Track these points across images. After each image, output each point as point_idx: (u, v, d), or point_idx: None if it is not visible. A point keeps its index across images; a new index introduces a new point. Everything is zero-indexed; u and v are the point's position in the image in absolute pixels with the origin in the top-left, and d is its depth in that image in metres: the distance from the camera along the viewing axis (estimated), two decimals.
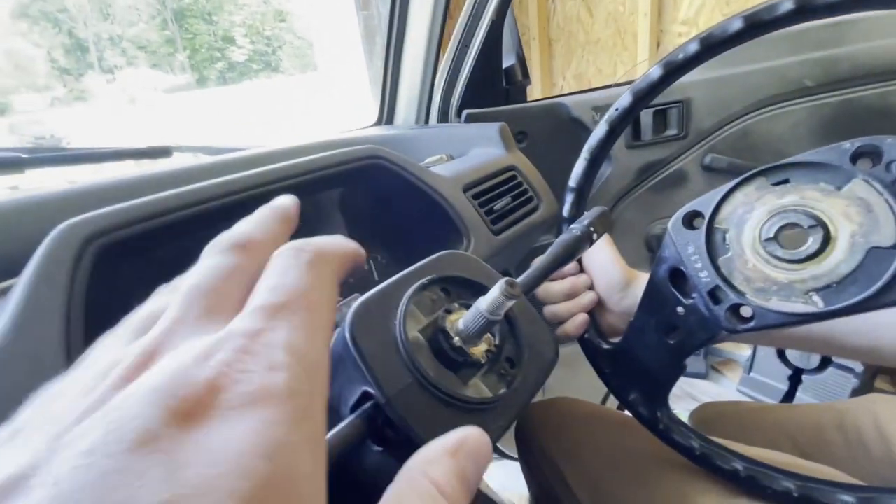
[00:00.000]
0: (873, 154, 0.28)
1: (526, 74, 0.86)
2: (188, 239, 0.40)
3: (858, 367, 1.36)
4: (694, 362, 1.90)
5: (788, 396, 1.56)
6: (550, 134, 0.80)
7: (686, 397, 1.78)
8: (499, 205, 0.51)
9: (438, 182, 0.48)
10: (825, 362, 1.51)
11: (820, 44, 0.78)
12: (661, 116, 0.79)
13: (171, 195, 0.33)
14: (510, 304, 0.25)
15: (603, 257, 0.47)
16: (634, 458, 0.48)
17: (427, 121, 0.78)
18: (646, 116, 0.79)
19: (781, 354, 1.59)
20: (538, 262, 0.36)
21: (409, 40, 0.70)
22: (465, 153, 0.63)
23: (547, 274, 0.36)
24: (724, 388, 1.81)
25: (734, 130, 0.81)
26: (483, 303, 0.25)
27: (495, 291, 0.24)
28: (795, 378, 1.60)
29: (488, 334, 0.28)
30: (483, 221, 0.48)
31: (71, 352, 0.24)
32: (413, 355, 0.24)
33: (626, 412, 0.60)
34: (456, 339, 0.26)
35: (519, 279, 0.35)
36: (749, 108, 0.80)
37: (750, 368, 1.71)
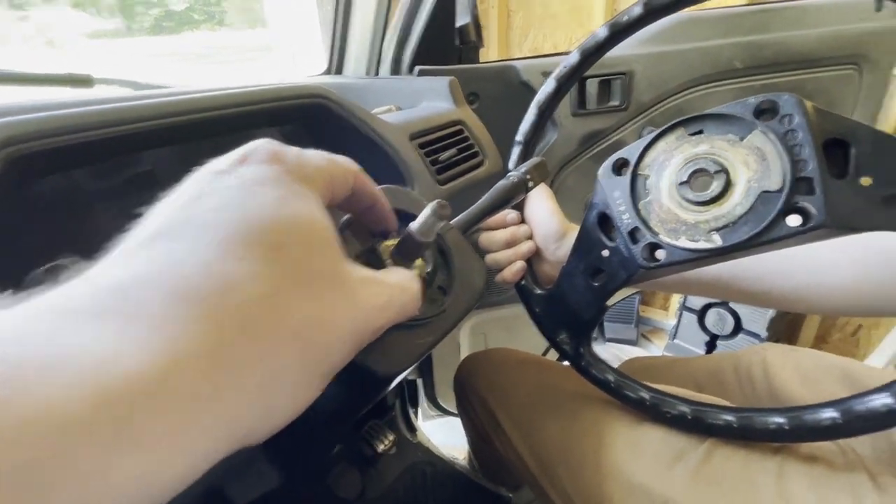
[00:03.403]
0: (772, 109, 0.31)
1: (480, 35, 0.86)
2: (106, 164, 0.38)
3: (763, 333, 1.53)
4: (626, 330, 2.04)
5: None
6: (501, 97, 0.81)
7: (617, 361, 1.92)
8: (444, 156, 0.52)
9: (384, 128, 0.48)
10: (736, 330, 1.68)
11: (749, 28, 0.84)
12: (605, 87, 0.82)
13: (90, 111, 0.31)
14: (441, 224, 0.26)
15: (542, 209, 0.50)
16: (559, 395, 0.52)
17: (378, 73, 0.76)
18: (591, 86, 0.81)
19: (701, 322, 1.75)
20: (476, 204, 0.38)
21: None
22: (414, 106, 0.63)
23: (483, 215, 0.37)
24: (650, 352, 1.97)
25: (670, 106, 0.86)
26: (415, 224, 0.26)
27: (427, 211, 0.25)
28: (711, 343, 1.77)
29: (421, 260, 0.29)
30: (428, 170, 0.49)
31: None
32: None
33: (555, 360, 0.64)
34: (388, 262, 0.27)
35: (456, 218, 0.36)
36: (684, 85, 0.85)
37: (674, 335, 1.87)
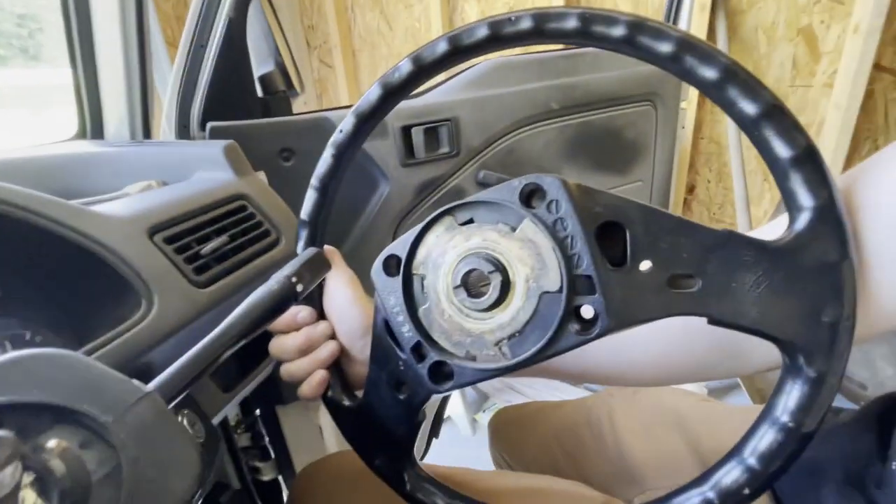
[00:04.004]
0: (539, 192, 0.26)
1: (290, 84, 0.76)
2: None
3: None
4: None
5: None
6: (321, 151, 0.72)
7: (506, 389, 1.93)
8: (209, 247, 0.40)
9: (101, 227, 0.35)
10: None
11: (559, 72, 0.88)
12: (432, 134, 0.79)
13: None
14: (7, 473, 0.15)
15: (340, 300, 0.41)
16: None
17: (150, 134, 0.62)
18: (417, 135, 0.77)
19: None
20: (202, 344, 0.27)
21: (98, 29, 0.53)
22: (186, 178, 0.50)
23: (210, 360, 0.27)
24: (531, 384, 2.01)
25: (500, 148, 0.86)
26: None
27: None
28: None
29: (34, 499, 0.18)
30: (179, 272, 0.37)
31: None
32: None
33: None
34: None
35: (158, 379, 0.25)
36: (510, 127, 0.85)
37: None
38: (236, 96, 0.68)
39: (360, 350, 0.41)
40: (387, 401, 0.35)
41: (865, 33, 1.19)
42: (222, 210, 0.44)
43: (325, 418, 0.92)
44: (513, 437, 0.71)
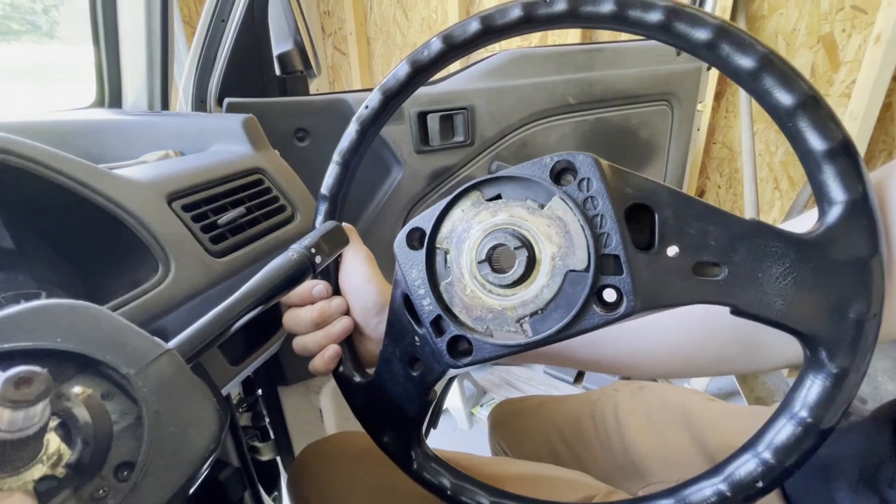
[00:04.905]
0: (570, 170, 0.26)
1: (308, 64, 0.76)
2: None
3: None
4: None
5: (580, 375, 1.81)
6: (335, 133, 0.72)
7: (504, 385, 1.93)
8: (226, 217, 0.40)
9: (122, 190, 0.35)
10: None
11: (578, 66, 0.88)
12: (447, 122, 0.79)
13: None
14: (21, 415, 0.15)
15: (356, 277, 0.41)
16: (398, 497, 0.43)
17: (168, 107, 0.62)
18: (433, 122, 0.77)
19: None
20: (223, 306, 0.27)
21: (122, 1, 0.53)
22: (203, 150, 0.50)
23: (228, 323, 0.27)
24: (535, 372, 2.01)
25: (514, 140, 0.86)
26: None
27: None
28: None
29: (61, 444, 0.18)
30: (196, 240, 0.37)
31: None
32: None
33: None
34: None
35: (178, 338, 0.25)
36: (525, 119, 0.85)
37: None
38: (254, 73, 0.68)
39: (374, 328, 0.41)
40: (399, 377, 0.35)
41: (887, 43, 1.18)
42: (239, 182, 0.44)
43: (325, 402, 0.92)
44: (514, 427, 0.71)
